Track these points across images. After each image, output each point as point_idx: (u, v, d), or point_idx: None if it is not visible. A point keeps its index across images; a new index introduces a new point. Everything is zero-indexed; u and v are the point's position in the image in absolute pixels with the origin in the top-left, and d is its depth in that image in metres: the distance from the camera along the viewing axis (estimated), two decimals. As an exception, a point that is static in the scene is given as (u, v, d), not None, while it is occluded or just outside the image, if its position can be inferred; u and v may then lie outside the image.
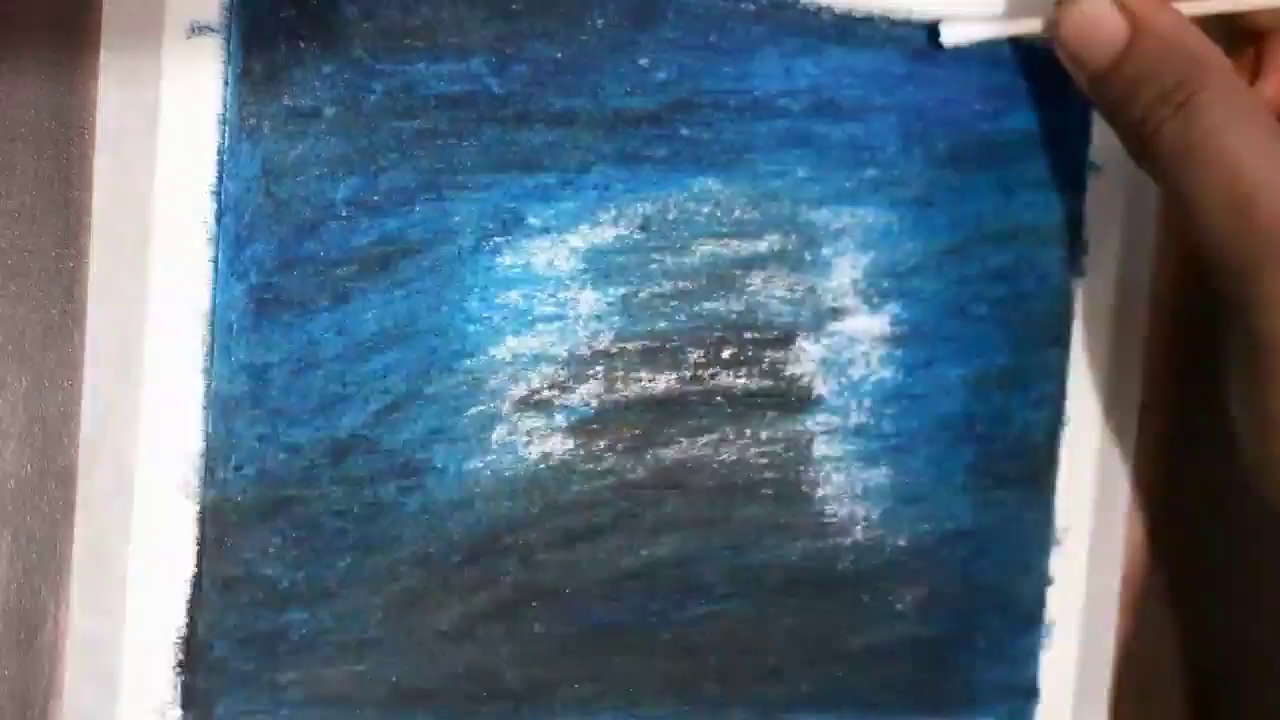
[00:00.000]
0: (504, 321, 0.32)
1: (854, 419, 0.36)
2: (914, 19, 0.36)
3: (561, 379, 0.33)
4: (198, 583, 0.29)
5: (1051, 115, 0.38)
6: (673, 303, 0.34)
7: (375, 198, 0.31)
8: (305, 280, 0.30)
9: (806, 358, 0.35)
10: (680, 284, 0.34)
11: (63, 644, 0.29)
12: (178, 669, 0.29)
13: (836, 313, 0.35)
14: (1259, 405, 0.34)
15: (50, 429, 0.29)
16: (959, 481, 0.37)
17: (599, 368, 0.33)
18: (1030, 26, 0.36)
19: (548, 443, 0.33)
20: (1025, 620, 0.38)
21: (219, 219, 0.29)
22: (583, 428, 0.33)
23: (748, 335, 0.34)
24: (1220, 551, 0.46)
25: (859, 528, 0.36)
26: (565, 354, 0.33)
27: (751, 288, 0.34)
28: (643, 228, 0.33)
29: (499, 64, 0.31)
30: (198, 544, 0.29)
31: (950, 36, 0.35)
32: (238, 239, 0.29)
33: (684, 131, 0.34)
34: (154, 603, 0.29)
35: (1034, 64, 0.38)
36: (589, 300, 0.33)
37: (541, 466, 0.33)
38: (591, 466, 0.33)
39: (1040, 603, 0.38)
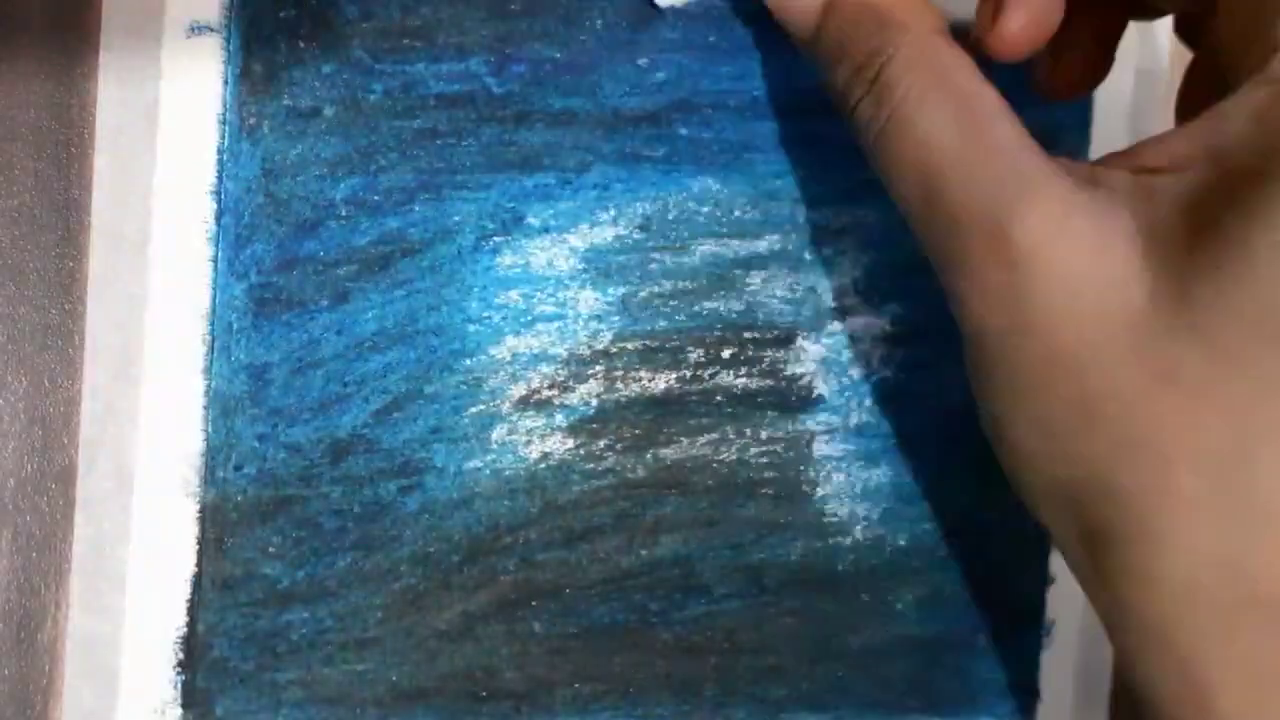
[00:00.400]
0: (503, 321, 0.32)
1: (854, 418, 0.36)
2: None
3: (561, 378, 0.33)
4: (198, 582, 0.29)
5: (1051, 115, 0.38)
6: (672, 302, 0.34)
7: (375, 197, 0.31)
8: (305, 280, 0.30)
9: (807, 357, 0.35)
10: (680, 284, 0.34)
11: (62, 643, 0.29)
12: (177, 668, 0.29)
13: (837, 312, 0.35)
14: (978, 398, 0.31)
15: (50, 428, 0.29)
16: (959, 481, 0.37)
17: (599, 367, 0.33)
18: None
19: (548, 442, 0.33)
20: (1025, 620, 0.38)
21: (219, 219, 0.29)
22: (583, 427, 0.33)
23: (748, 335, 0.34)
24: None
25: (859, 527, 0.36)
26: (565, 353, 0.33)
27: (751, 287, 0.34)
28: (642, 227, 0.33)
29: (498, 64, 0.31)
30: (197, 543, 0.29)
31: None
32: (237, 239, 0.29)
33: (683, 131, 0.34)
34: (154, 602, 0.29)
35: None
36: (589, 300, 0.33)
37: (541, 466, 0.33)
38: (591, 466, 0.33)
39: (1040, 603, 0.38)
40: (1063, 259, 0.28)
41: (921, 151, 0.30)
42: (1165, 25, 0.41)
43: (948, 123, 0.29)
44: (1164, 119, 0.41)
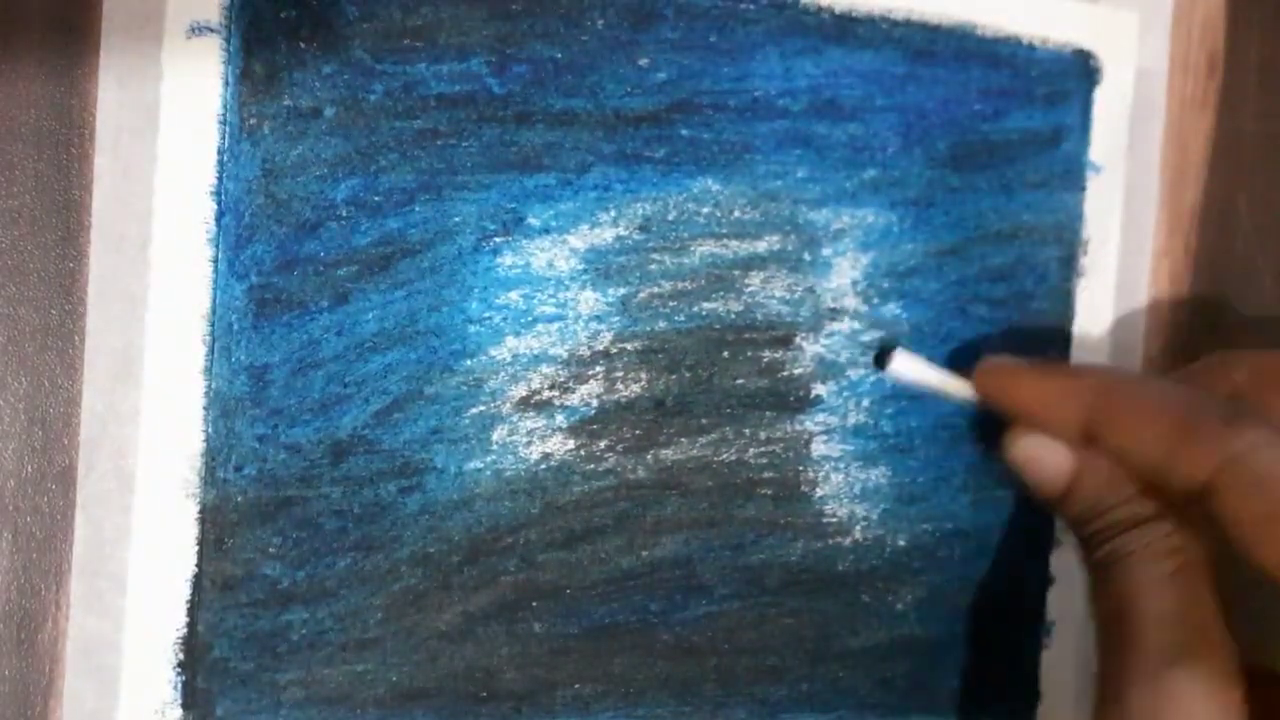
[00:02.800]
0: (504, 322, 0.32)
1: (853, 419, 0.36)
2: (914, 19, 0.36)
3: (562, 379, 0.33)
4: (198, 583, 0.29)
5: (1051, 115, 0.38)
6: (672, 303, 0.34)
7: (375, 198, 0.31)
8: (305, 280, 0.30)
9: (806, 358, 0.35)
10: (680, 284, 0.34)
11: (63, 644, 0.29)
12: (178, 669, 0.29)
13: (836, 313, 0.35)
14: None
15: (50, 429, 0.29)
16: (959, 481, 0.37)
17: (599, 368, 0.33)
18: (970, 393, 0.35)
19: (548, 443, 0.33)
20: (1025, 620, 0.38)
21: (219, 219, 0.29)
22: (583, 428, 0.33)
23: (747, 335, 0.34)
24: (1217, 550, 0.46)
25: (858, 528, 0.36)
26: (565, 354, 0.33)
27: (751, 288, 0.34)
28: (642, 228, 0.33)
29: (499, 64, 0.31)
30: (198, 544, 0.29)
31: (899, 368, 0.35)
32: (238, 239, 0.29)
33: (684, 132, 0.34)
34: (154, 603, 0.29)
35: (1034, 64, 0.38)
36: (589, 300, 0.33)
37: (542, 467, 0.33)
38: (592, 467, 0.33)
39: (1040, 603, 0.38)
40: None
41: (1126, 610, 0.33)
42: (1164, 25, 0.41)
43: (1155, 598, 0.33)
44: (1163, 118, 0.41)
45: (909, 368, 0.35)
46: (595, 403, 0.33)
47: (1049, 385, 0.34)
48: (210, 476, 0.29)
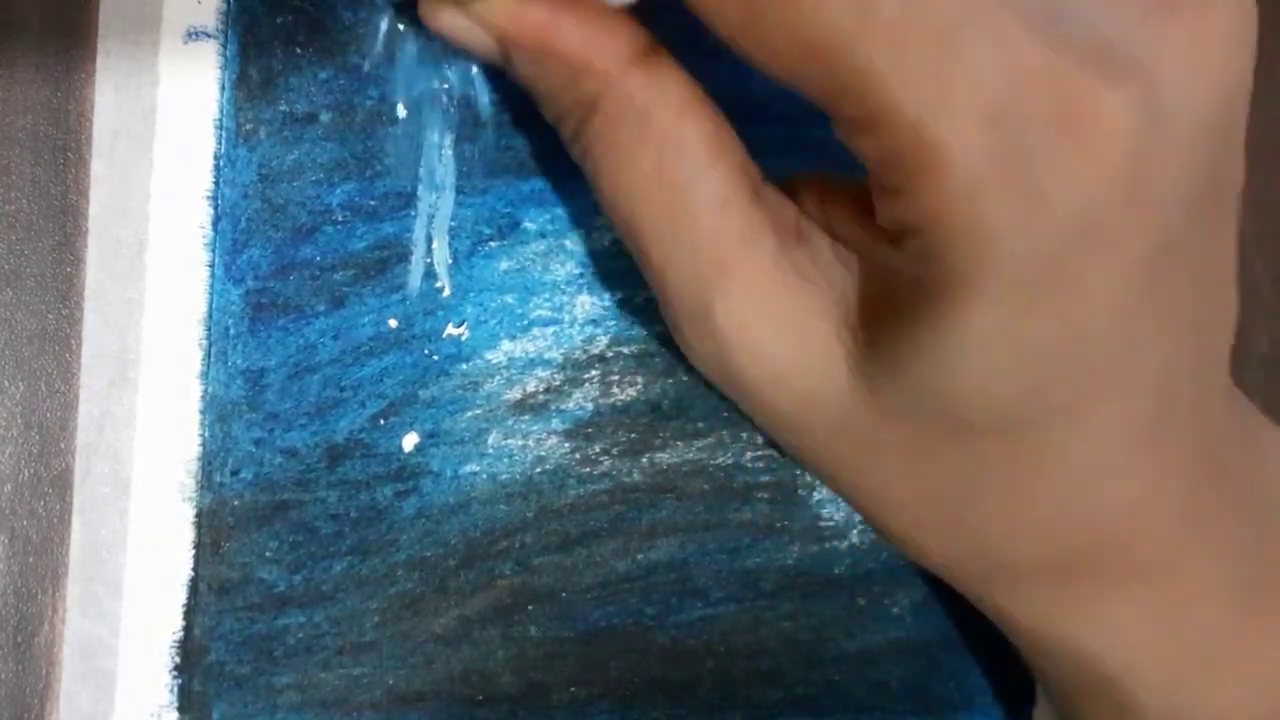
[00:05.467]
0: (499, 326, 0.32)
1: (851, 422, 0.36)
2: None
3: (557, 383, 0.33)
4: (194, 586, 0.29)
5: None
6: (669, 307, 0.34)
7: (371, 202, 0.31)
8: (301, 285, 0.30)
9: (803, 361, 0.35)
10: (676, 288, 0.34)
11: (59, 647, 0.29)
12: (174, 672, 0.29)
13: (833, 316, 0.35)
14: None
15: (46, 433, 0.29)
16: (956, 485, 0.37)
17: (594, 372, 0.33)
18: None
19: (544, 446, 0.33)
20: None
21: (215, 224, 0.29)
22: (579, 431, 0.33)
23: (744, 339, 0.34)
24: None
25: (855, 531, 0.36)
26: (561, 358, 0.33)
27: (748, 292, 0.34)
28: (639, 232, 0.33)
29: (496, 68, 0.31)
30: (194, 548, 0.29)
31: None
32: (234, 244, 0.29)
33: (680, 136, 0.34)
34: (151, 606, 0.29)
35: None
36: (584, 304, 0.33)
37: (537, 470, 0.33)
38: (587, 470, 0.33)
39: (1037, 606, 0.38)
40: (765, 341, 0.28)
41: (624, 213, 0.28)
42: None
43: (646, 183, 0.27)
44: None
45: None
46: (591, 406, 0.33)
47: None
48: (206, 481, 0.29)
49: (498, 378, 0.32)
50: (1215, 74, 0.25)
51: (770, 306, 0.28)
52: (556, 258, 0.32)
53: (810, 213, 0.29)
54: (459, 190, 0.31)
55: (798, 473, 0.35)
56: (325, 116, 0.30)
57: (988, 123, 0.24)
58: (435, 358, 0.32)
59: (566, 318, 0.33)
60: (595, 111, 0.27)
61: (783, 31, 0.25)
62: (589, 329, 0.33)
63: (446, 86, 0.31)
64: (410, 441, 0.31)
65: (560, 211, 0.32)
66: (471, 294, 0.32)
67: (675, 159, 0.27)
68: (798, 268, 0.28)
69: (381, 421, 0.31)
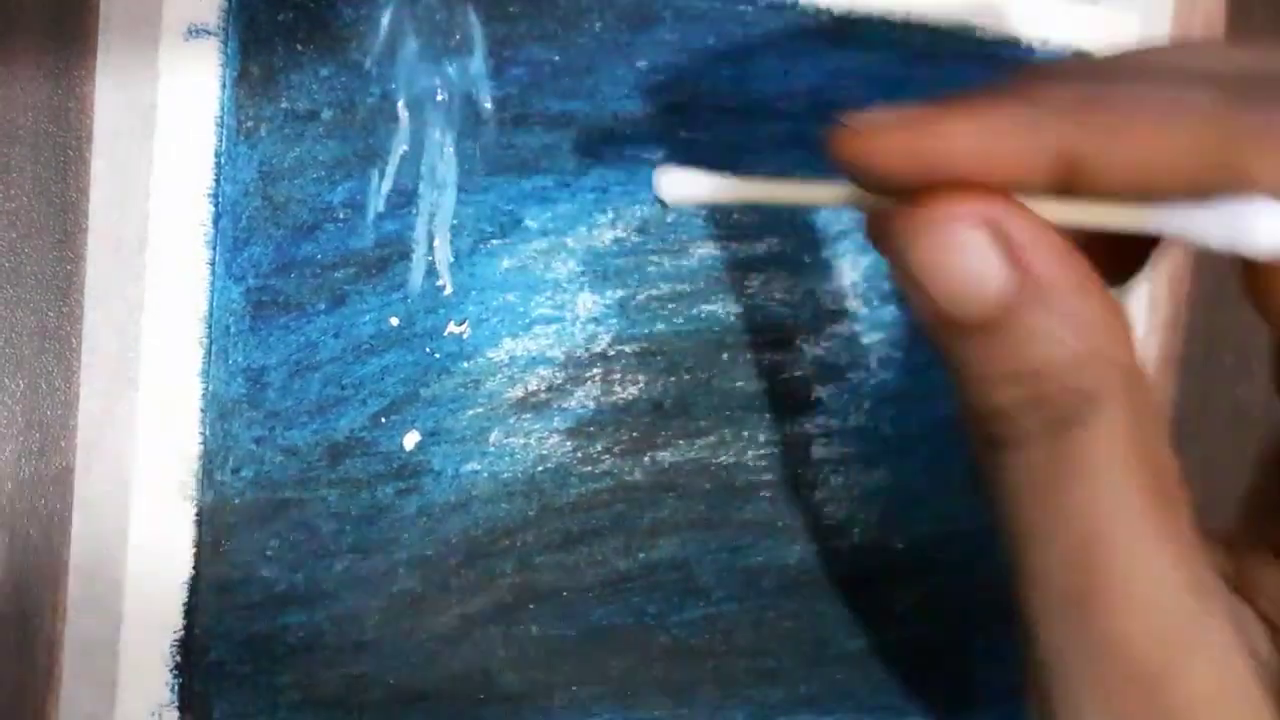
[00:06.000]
0: (501, 324, 0.32)
1: (852, 421, 0.36)
2: (914, 20, 0.36)
3: (559, 381, 0.33)
4: (195, 585, 0.29)
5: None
6: (671, 305, 0.34)
7: (372, 200, 0.31)
8: (302, 283, 0.30)
9: (805, 360, 0.35)
10: (678, 286, 0.34)
11: (60, 646, 0.29)
12: (175, 671, 0.29)
13: (835, 315, 0.35)
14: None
15: (48, 432, 0.29)
16: (958, 483, 0.37)
17: (596, 370, 0.33)
18: (804, 195, 0.25)
19: (545, 445, 0.33)
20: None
21: (216, 222, 0.29)
22: (580, 430, 0.33)
23: (746, 338, 0.34)
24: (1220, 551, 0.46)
25: (857, 530, 0.36)
26: (563, 356, 0.33)
27: (750, 290, 0.34)
28: (640, 230, 0.33)
29: (497, 66, 0.31)
30: (195, 546, 0.29)
31: (669, 191, 0.25)
32: (235, 241, 0.29)
33: (682, 134, 0.33)
34: (151, 605, 0.29)
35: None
36: (586, 302, 0.33)
37: (539, 469, 0.33)
38: (589, 469, 0.33)
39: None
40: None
41: (1084, 536, 0.23)
42: (1165, 26, 0.40)
43: (1132, 524, 0.22)
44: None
45: (687, 186, 0.25)
46: (592, 405, 0.33)
47: (988, 124, 0.22)
48: (207, 479, 0.29)
49: (499, 376, 0.32)
50: None
51: (1230, 694, 0.23)
52: (558, 256, 0.32)
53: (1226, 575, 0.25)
54: (460, 188, 0.31)
55: (800, 472, 0.35)
56: (326, 114, 0.30)
57: None
58: (437, 356, 0.32)
59: (568, 316, 0.33)
60: (1098, 417, 0.22)
61: None
62: (591, 327, 0.33)
63: (448, 84, 0.31)
64: (411, 440, 0.31)
65: (562, 209, 0.32)
66: (473, 292, 0.32)
67: (1166, 507, 0.23)
68: (1256, 653, 0.24)
69: (383, 420, 0.31)
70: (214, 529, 0.29)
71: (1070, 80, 0.23)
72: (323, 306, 0.30)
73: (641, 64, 0.33)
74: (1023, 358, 0.22)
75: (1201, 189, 0.22)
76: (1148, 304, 0.41)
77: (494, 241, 0.32)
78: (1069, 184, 0.22)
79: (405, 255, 0.31)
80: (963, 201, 0.22)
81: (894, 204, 0.23)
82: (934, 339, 0.23)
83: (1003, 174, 0.22)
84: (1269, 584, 0.25)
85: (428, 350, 0.31)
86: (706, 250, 0.34)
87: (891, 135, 0.23)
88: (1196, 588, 0.23)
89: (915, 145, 0.22)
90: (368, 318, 0.31)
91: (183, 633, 0.29)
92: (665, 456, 0.34)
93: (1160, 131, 0.22)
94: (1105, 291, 0.23)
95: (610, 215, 0.33)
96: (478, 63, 0.31)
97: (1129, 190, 0.22)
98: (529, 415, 0.32)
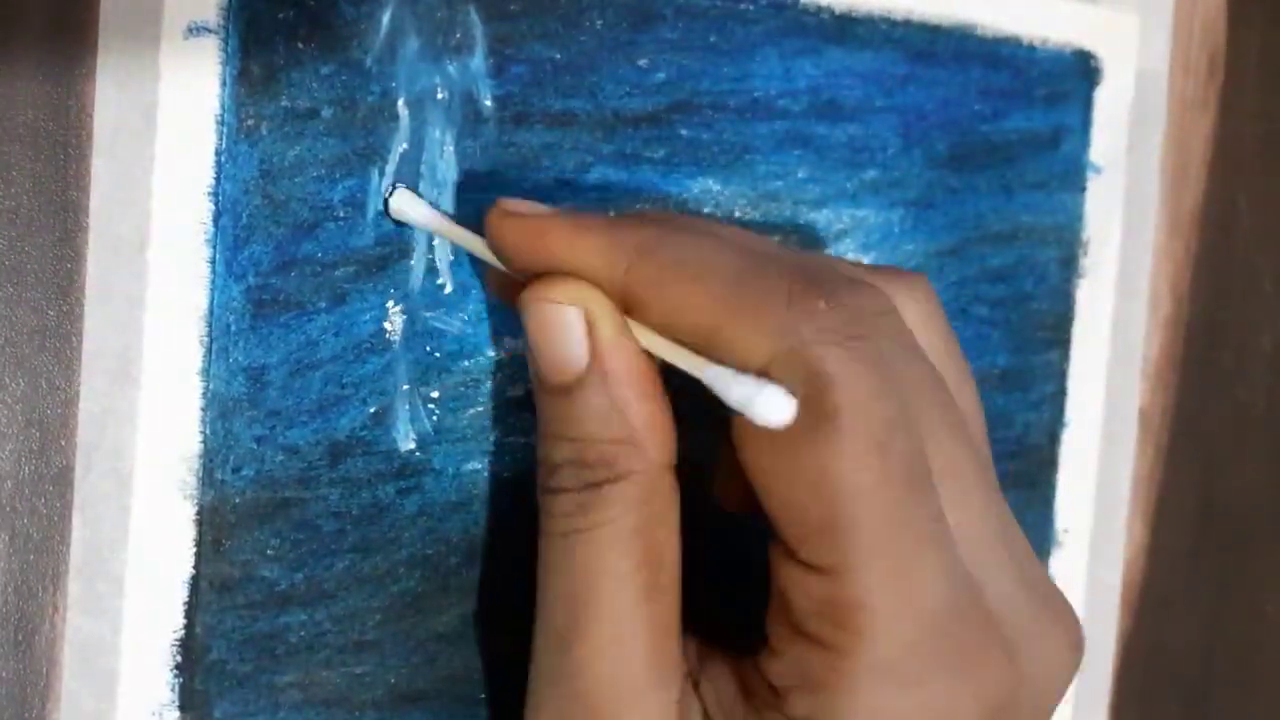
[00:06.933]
0: (501, 323, 0.32)
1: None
2: (914, 19, 0.36)
3: (560, 380, 0.33)
4: (195, 584, 0.29)
5: (1051, 115, 0.38)
6: (671, 304, 0.34)
7: (373, 198, 0.30)
8: (303, 281, 0.30)
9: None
10: (679, 285, 0.34)
11: (60, 646, 0.29)
12: (175, 671, 0.29)
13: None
14: None
15: (47, 431, 0.29)
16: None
17: (597, 369, 0.33)
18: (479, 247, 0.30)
19: (546, 444, 0.33)
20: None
21: (216, 220, 0.29)
22: (581, 429, 0.33)
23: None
24: (1220, 551, 0.46)
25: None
26: (564, 355, 0.33)
27: (750, 289, 0.34)
28: (641, 229, 0.33)
29: (498, 64, 0.31)
30: (195, 545, 0.29)
31: (401, 207, 0.30)
32: (235, 240, 0.29)
33: (683, 132, 0.33)
34: (152, 604, 0.29)
35: (1034, 65, 0.38)
36: (587, 301, 0.33)
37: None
38: (590, 468, 0.33)
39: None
40: None
41: (581, 580, 0.28)
42: (1165, 26, 0.40)
43: (619, 581, 0.28)
44: (1163, 119, 0.41)
45: (411, 209, 0.30)
46: (594, 404, 0.33)
47: (585, 239, 0.28)
48: (208, 478, 0.29)
49: (500, 375, 0.32)
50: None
51: None
52: (559, 254, 0.32)
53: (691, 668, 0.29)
54: (461, 187, 0.31)
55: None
56: (327, 112, 0.30)
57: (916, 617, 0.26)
58: (437, 355, 0.32)
59: (569, 315, 0.33)
60: (622, 485, 0.28)
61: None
62: (592, 326, 0.33)
63: (448, 83, 0.31)
64: (412, 439, 0.31)
65: (562, 208, 0.32)
66: (473, 290, 0.32)
67: (641, 580, 0.28)
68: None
69: (383, 418, 0.31)
70: (214, 528, 0.29)
71: (648, 227, 0.28)
72: (323, 305, 0.30)
73: (642, 62, 0.33)
74: (577, 424, 0.28)
75: (709, 350, 0.27)
76: (1148, 304, 0.41)
77: (495, 240, 0.32)
78: (632, 311, 0.28)
79: (406, 253, 0.31)
80: (564, 292, 0.28)
81: (524, 276, 0.29)
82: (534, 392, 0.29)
83: (595, 284, 0.28)
84: (722, 689, 0.29)
85: (428, 349, 0.31)
86: (707, 249, 0.34)
87: (522, 226, 0.28)
88: (658, 654, 0.28)
89: (533, 242, 0.28)
90: (368, 316, 0.31)
91: (183, 632, 0.29)
92: (666, 455, 0.34)
93: (684, 292, 0.27)
94: (663, 402, 0.28)
95: (611, 214, 0.33)
96: (478, 61, 0.31)
97: (665, 331, 0.28)
98: (529, 414, 0.32)
